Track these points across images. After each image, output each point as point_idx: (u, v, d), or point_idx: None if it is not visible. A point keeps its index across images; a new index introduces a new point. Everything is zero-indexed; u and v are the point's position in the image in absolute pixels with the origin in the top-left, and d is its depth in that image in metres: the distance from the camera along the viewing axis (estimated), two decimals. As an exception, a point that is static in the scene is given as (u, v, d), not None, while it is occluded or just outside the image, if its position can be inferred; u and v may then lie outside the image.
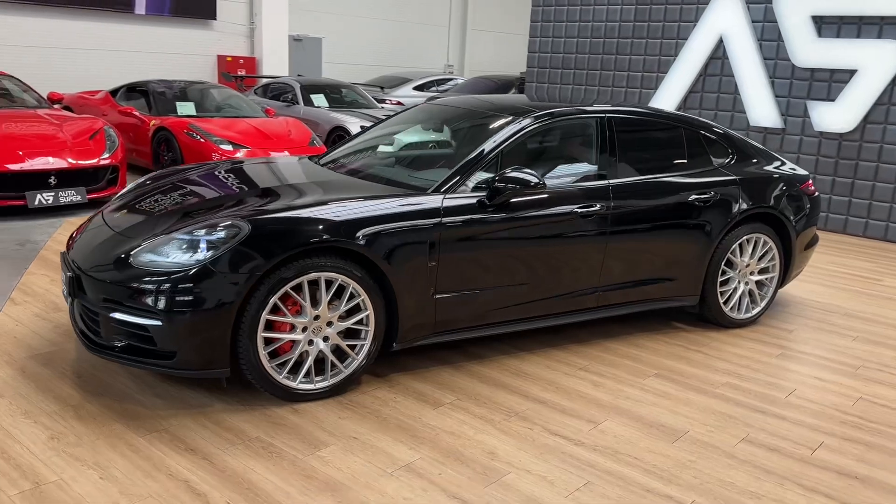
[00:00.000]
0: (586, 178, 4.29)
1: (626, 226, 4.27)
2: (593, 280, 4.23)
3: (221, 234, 3.27)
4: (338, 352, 3.55)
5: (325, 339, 3.48)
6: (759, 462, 3.18)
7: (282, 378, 3.40)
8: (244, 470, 2.88)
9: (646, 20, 9.61)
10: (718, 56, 9.01)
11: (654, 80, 9.61)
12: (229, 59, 14.86)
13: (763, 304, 4.97)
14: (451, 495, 2.79)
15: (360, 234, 3.43)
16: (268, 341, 3.33)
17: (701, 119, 4.98)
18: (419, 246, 3.60)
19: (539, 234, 3.99)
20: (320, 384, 3.50)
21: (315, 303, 3.41)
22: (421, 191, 3.79)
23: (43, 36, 12.44)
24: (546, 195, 4.02)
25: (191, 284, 3.16)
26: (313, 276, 3.35)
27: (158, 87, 10.04)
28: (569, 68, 10.47)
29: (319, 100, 11.96)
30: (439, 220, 3.67)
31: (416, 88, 15.60)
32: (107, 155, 7.53)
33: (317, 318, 3.42)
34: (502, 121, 4.19)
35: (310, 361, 3.46)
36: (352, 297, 3.48)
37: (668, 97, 9.37)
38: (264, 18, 15.19)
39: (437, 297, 3.72)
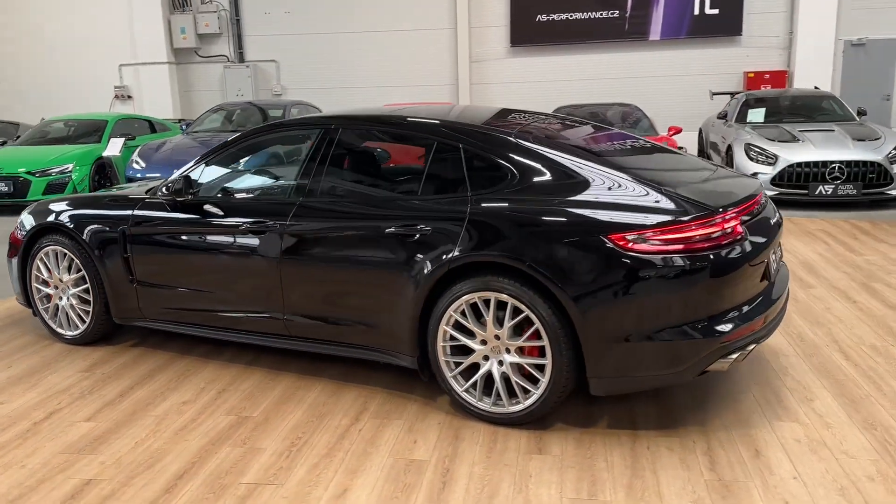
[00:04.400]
0: (284, 192, 3.95)
1: (302, 250, 3.75)
2: (275, 305, 3.90)
3: None
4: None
5: (68, 300, 4.64)
6: None
7: (49, 320, 4.75)
8: (-55, 359, 4.49)
9: None
10: None
11: None
12: (751, 75, 13.89)
13: (532, 400, 3.29)
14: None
15: (72, 222, 4.45)
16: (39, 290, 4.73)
17: (475, 130, 3.58)
18: (113, 238, 4.33)
19: (209, 243, 4.03)
20: (70, 332, 4.67)
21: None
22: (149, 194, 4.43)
23: (561, 70, 14.50)
24: (216, 205, 4.03)
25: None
26: (53, 248, 4.56)
27: (572, 111, 10.92)
28: None
29: (756, 115, 10.48)
30: (130, 218, 4.29)
31: None
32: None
33: (62, 281, 4.62)
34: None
35: (60, 316, 4.67)
36: (80, 269, 4.52)
37: None
38: (802, 26, 13.53)
39: (137, 286, 4.34)
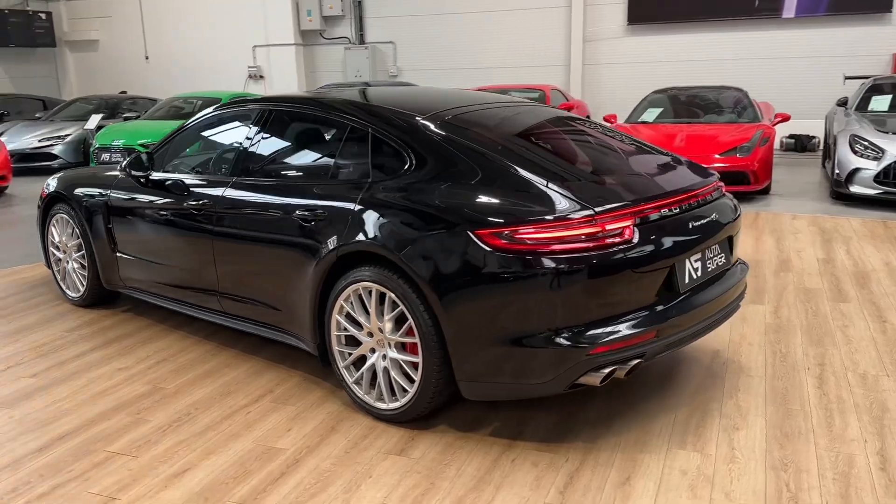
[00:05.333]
0: (222, 172, 4.01)
1: (229, 229, 3.80)
2: (211, 281, 4.00)
3: None
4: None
5: (71, 264, 5.02)
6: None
7: (60, 281, 5.17)
8: (-31, 311, 5.01)
9: None
10: None
11: None
12: (901, 56, 12.27)
13: (405, 399, 3.15)
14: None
15: (72, 192, 4.80)
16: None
17: (382, 112, 3.44)
18: (98, 209, 4.63)
19: (164, 218, 4.18)
20: (73, 294, 5.06)
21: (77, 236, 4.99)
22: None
23: (681, 50, 13.56)
24: (169, 182, 4.19)
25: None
26: (61, 215, 4.95)
27: (677, 94, 10.26)
28: None
29: (880, 102, 9.28)
30: (109, 190, 4.57)
31: None
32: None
33: (67, 246, 5.01)
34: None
35: (67, 279, 5.08)
36: (78, 237, 4.88)
37: None
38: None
39: (118, 255, 4.62)
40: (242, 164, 3.88)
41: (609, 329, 2.79)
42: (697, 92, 10.43)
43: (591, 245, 2.76)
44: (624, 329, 2.81)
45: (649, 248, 2.87)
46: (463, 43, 15.10)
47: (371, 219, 3.15)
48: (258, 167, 3.83)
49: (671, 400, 3.42)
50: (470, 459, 2.94)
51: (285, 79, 16.51)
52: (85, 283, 4.91)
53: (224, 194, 3.84)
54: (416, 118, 3.38)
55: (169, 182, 4.20)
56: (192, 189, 4.03)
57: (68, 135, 12.67)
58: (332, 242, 3.26)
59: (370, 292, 3.18)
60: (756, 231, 6.79)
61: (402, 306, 3.05)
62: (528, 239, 2.77)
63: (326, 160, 3.61)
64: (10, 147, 12.09)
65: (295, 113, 3.85)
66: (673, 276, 2.99)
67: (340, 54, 16.14)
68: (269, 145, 3.89)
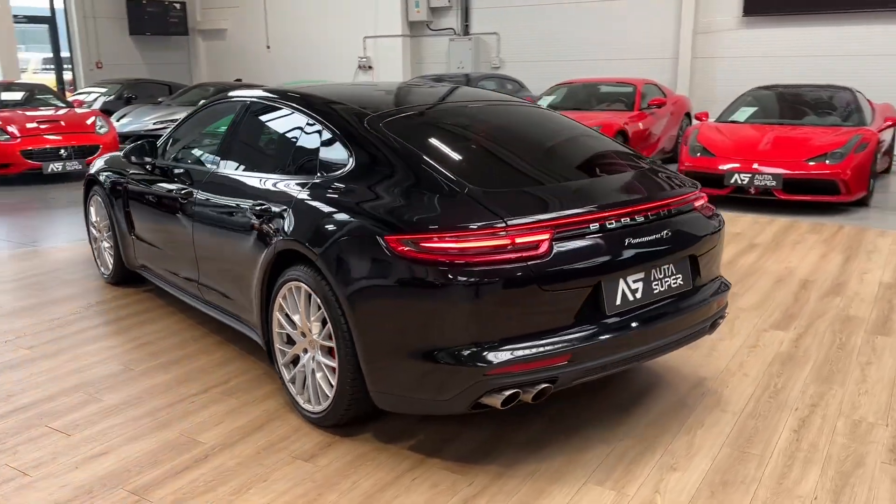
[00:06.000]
0: (206, 165, 4.08)
1: (205, 220, 3.87)
2: (192, 270, 4.09)
3: None
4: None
5: (104, 243, 5.32)
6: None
7: (97, 259, 5.49)
8: None
9: None
10: None
11: None
12: None
13: (326, 404, 3.08)
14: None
15: (102, 175, 5.08)
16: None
17: (337, 108, 3.35)
18: (119, 193, 4.87)
19: (163, 207, 4.33)
20: (106, 272, 5.37)
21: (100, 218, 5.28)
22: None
23: (803, 45, 12.47)
24: (167, 171, 4.32)
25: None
26: (96, 196, 5.25)
27: (782, 92, 9.55)
28: None
29: None
30: (125, 178, 4.79)
31: None
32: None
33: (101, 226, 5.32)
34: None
35: (102, 257, 5.39)
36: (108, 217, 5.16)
37: None
38: None
39: (133, 238, 4.84)
40: (219, 156, 3.95)
41: (511, 349, 2.59)
42: (803, 91, 9.57)
43: (496, 258, 2.57)
44: (529, 351, 2.60)
45: (567, 264, 2.64)
46: (567, 34, 14.67)
47: (303, 217, 3.10)
48: (231, 159, 3.88)
49: (621, 428, 3.14)
50: (373, 473, 2.83)
51: (392, 69, 16.72)
52: (112, 262, 5.18)
53: (203, 184, 3.92)
54: (363, 116, 3.28)
55: (168, 171, 4.34)
56: (181, 178, 4.15)
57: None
58: (273, 238, 3.24)
59: (301, 291, 3.13)
60: (827, 247, 6.14)
61: (323, 309, 2.98)
62: (432, 248, 2.62)
63: (284, 155, 3.58)
64: (129, 128, 13.02)
65: (265, 107, 3.86)
66: (599, 297, 2.73)
67: (445, 45, 16.13)
68: (242, 138, 3.93)
